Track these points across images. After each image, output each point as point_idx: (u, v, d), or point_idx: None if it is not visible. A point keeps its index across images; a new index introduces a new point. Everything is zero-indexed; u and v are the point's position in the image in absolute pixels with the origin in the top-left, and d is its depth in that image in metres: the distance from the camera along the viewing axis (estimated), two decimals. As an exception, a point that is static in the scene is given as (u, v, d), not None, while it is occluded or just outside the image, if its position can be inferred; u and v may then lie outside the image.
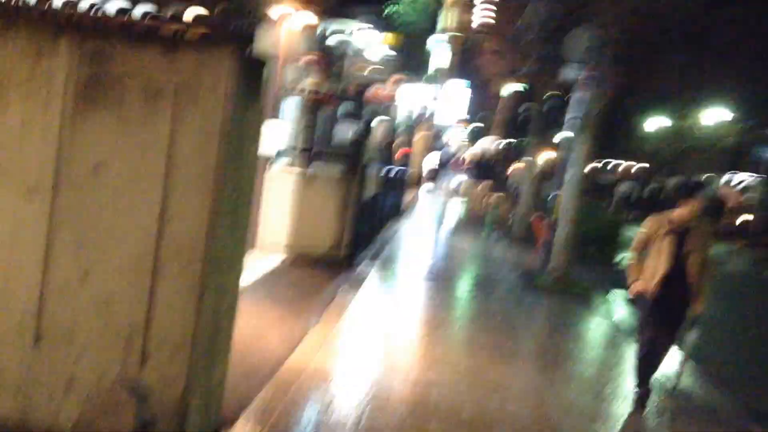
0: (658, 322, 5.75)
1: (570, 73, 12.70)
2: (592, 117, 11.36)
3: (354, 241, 9.54)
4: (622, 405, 5.87)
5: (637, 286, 5.84)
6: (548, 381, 6.35)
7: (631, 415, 5.64)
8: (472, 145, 35.16)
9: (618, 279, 11.89)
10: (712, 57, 21.33)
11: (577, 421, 5.45)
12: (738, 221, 24.64)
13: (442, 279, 10.75)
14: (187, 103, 3.46)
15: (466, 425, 4.87)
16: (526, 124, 30.08)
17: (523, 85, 22.48)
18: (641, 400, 5.75)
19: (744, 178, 25.71)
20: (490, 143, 33.08)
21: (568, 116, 12.46)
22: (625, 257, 14.76)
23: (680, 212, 5.74)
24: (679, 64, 21.35)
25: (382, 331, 6.96)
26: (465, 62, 30.71)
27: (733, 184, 26.16)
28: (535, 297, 10.23)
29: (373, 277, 9.26)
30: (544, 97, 17.81)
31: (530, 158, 17.74)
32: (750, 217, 24.32)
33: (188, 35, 3.43)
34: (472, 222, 18.63)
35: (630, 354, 7.45)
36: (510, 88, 25.58)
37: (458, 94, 33.55)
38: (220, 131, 3.47)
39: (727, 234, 24.01)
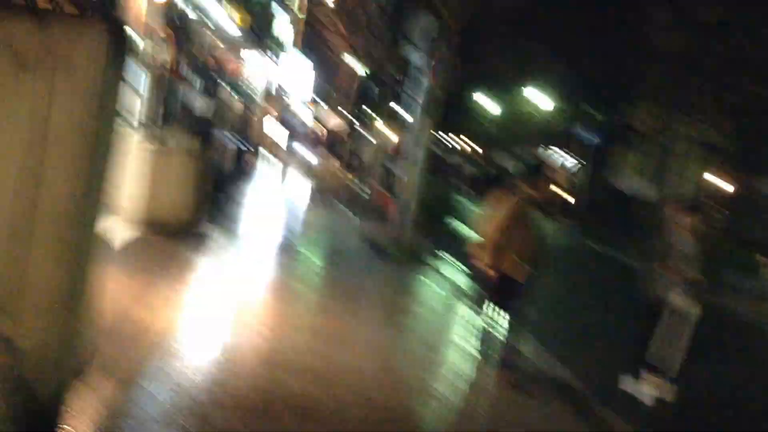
0: (506, 300, 6.06)
1: (413, 55, 13.42)
2: (434, 98, 12.13)
3: (208, 212, 9.72)
4: (457, 357, 6.59)
5: (490, 268, 5.94)
6: (393, 338, 6.97)
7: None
8: (319, 121, 35.57)
9: (455, 250, 12.86)
10: (544, 45, 23.02)
11: (417, 370, 6.09)
12: (562, 200, 26.85)
13: (294, 249, 11.16)
14: (60, 75, 3.62)
15: (315, 376, 5.34)
16: (371, 102, 30.87)
17: (367, 66, 23.12)
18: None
19: (568, 159, 27.98)
20: (336, 119, 33.65)
21: (411, 97, 13.18)
22: (472, 233, 15.88)
23: (530, 191, 6.00)
24: (512, 49, 22.86)
25: (233, 296, 7.26)
26: (312, 40, 30.93)
27: (559, 165, 28.37)
28: (383, 265, 10.90)
29: (226, 246, 9.51)
30: (389, 76, 18.50)
31: (376, 135, 18.45)
32: (570, 197, 26.58)
33: (62, 9, 3.60)
34: (321, 196, 19.08)
35: (464, 313, 8.29)
36: (355, 66, 26.14)
37: (305, 70, 33.79)
38: (91, 102, 3.66)
39: (552, 211, 26.15)
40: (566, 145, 27.08)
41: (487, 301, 6.26)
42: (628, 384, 6.47)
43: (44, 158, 3.62)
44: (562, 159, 28.42)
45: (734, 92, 19.44)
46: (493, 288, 6.09)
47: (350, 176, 21.12)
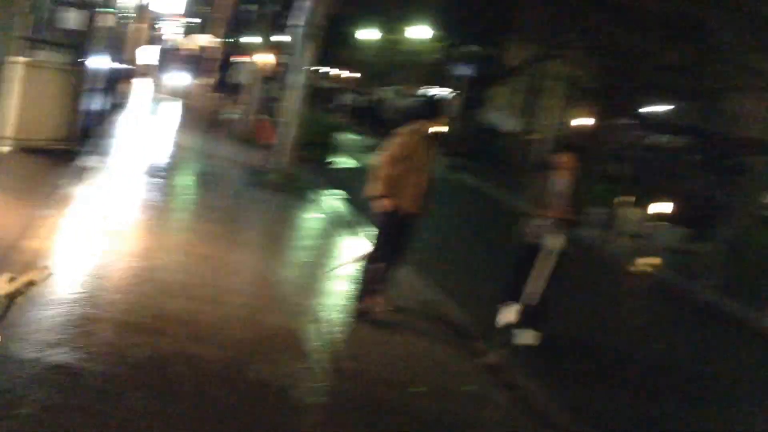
0: (397, 236, 5.99)
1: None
2: (316, 25, 12.05)
3: (79, 133, 9.36)
4: (330, 281, 6.88)
5: (387, 203, 5.86)
6: (269, 262, 7.19)
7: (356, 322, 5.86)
8: (191, 40, 34.12)
9: (334, 179, 13.08)
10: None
11: (298, 295, 6.34)
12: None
13: (168, 175, 10.96)
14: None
15: (201, 299, 5.48)
16: (245, 24, 29.94)
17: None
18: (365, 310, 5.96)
19: (443, 91, 28.55)
20: (209, 40, 32.27)
21: (290, 21, 13.01)
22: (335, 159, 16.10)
23: (429, 127, 5.95)
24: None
25: (108, 221, 7.16)
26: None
27: (435, 95, 28.96)
28: (260, 193, 10.93)
29: (98, 170, 9.24)
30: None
31: (252, 59, 18.06)
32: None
33: None
34: (193, 119, 18.61)
35: (338, 240, 8.58)
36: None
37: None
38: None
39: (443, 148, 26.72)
40: (442, 79, 27.58)
41: (370, 232, 6.42)
42: (499, 318, 6.56)
43: None
44: (439, 91, 28.98)
45: (600, 34, 20.39)
46: (383, 220, 6.00)
47: (224, 99, 20.62)
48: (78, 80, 9.15)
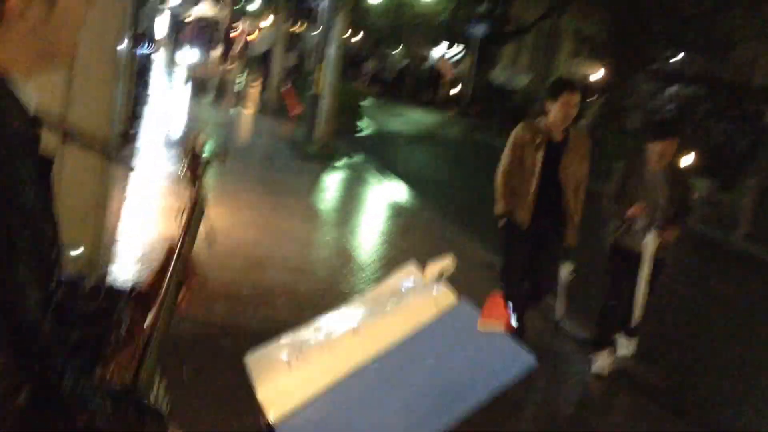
0: (528, 254, 4.91)
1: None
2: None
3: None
4: (382, 247, 7.28)
5: (504, 210, 4.85)
6: (316, 230, 7.64)
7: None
8: (198, 10, 33.82)
9: (368, 146, 13.43)
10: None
11: (335, 259, 6.74)
12: (452, 92, 27.63)
13: (214, 153, 11.26)
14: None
15: (283, 269, 5.89)
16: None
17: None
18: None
19: (455, 51, 28.61)
20: (213, 7, 31.81)
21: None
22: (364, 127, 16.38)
23: (554, 117, 4.73)
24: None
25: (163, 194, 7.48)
26: None
27: (447, 57, 29.00)
28: (305, 165, 11.25)
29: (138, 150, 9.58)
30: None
31: (273, 30, 18.15)
32: (455, 89, 27.42)
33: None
34: (215, 94, 18.63)
35: (379, 207, 9.00)
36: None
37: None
38: None
39: (442, 104, 26.96)
40: (451, 38, 27.63)
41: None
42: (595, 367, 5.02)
43: None
44: (446, 52, 29.04)
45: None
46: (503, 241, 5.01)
47: (237, 70, 20.58)
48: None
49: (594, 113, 21.31)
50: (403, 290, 1.56)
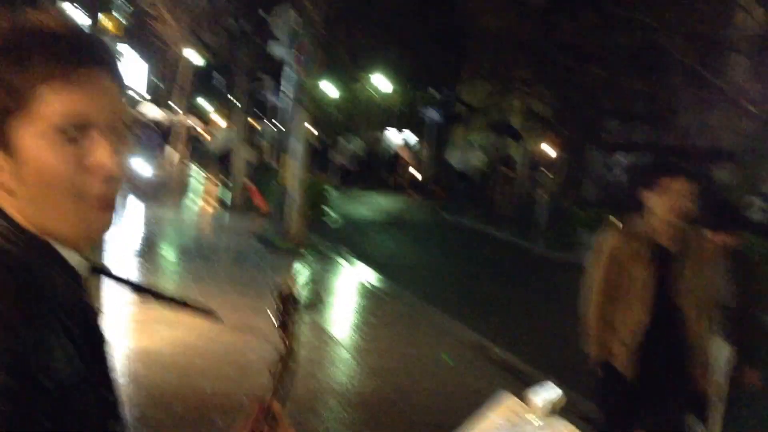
0: (636, 404, 3.51)
1: (278, 50, 13.71)
2: (308, 93, 12.58)
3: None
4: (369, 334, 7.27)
5: (599, 353, 3.56)
6: (314, 328, 7.57)
7: None
8: (148, 112, 34.14)
9: (339, 237, 13.53)
10: (380, 31, 24.02)
11: (333, 354, 6.71)
12: (414, 175, 28.12)
13: (183, 252, 11.23)
14: None
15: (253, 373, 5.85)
16: (210, 92, 30.21)
17: (206, 56, 22.83)
18: None
19: (410, 136, 29.31)
20: (167, 111, 32.12)
21: (282, 90, 13.52)
22: (333, 218, 16.53)
23: (662, 214, 3.41)
24: (350, 39, 23.64)
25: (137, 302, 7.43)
26: (141, 30, 29.52)
27: (404, 143, 29.65)
28: (281, 258, 11.23)
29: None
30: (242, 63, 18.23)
31: (233, 128, 18.40)
32: (416, 172, 27.95)
33: None
34: (167, 192, 18.41)
35: (372, 299, 9.03)
36: (191, 56, 25.58)
37: (133, 63, 32.49)
38: None
39: (400, 188, 27.36)
40: (409, 125, 28.34)
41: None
42: None
43: None
44: (404, 138, 29.73)
45: (555, 67, 21.38)
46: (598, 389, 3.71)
47: (201, 170, 20.66)
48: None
49: (553, 187, 21.86)
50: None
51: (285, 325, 1.44)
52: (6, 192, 0.97)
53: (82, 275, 1.03)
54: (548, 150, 24.10)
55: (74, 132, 0.96)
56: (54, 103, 0.95)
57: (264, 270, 10.54)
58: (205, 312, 1.34)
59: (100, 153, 0.97)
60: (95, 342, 1.03)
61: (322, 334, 7.29)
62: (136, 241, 11.29)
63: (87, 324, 1.01)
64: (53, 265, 0.98)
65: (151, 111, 27.88)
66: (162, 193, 17.63)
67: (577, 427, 1.34)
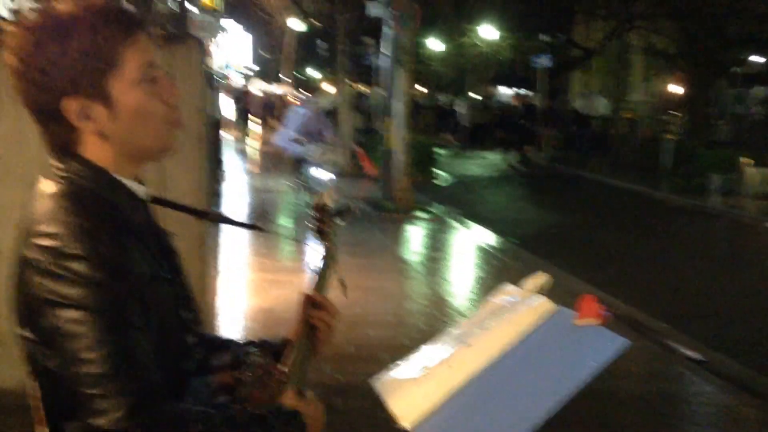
0: None
1: (375, 9, 13.25)
2: (404, 49, 12.11)
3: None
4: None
5: None
6: (423, 283, 7.58)
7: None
8: (258, 86, 34.57)
9: (447, 194, 13.17)
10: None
11: (442, 309, 6.51)
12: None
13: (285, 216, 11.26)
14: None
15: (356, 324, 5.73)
16: (314, 59, 30.17)
17: (308, 22, 22.75)
18: None
19: (522, 92, 28.23)
20: (275, 84, 32.34)
21: (382, 51, 13.13)
22: (443, 177, 16.13)
23: None
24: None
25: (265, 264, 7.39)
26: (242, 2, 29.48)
27: (522, 94, 28.60)
28: (387, 221, 11.03)
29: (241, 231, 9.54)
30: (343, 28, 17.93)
31: (335, 95, 18.19)
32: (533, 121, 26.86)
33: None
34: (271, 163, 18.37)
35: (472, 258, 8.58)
36: (295, 25, 25.55)
37: (238, 37, 32.74)
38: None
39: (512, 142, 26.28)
40: (520, 79, 27.31)
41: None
42: None
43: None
44: (516, 89, 28.69)
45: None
46: None
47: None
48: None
49: (680, 129, 20.46)
50: (505, 306, 1.68)
51: (321, 231, 1.66)
52: (100, 138, 1.25)
53: (144, 199, 1.33)
54: (674, 89, 22.49)
55: (151, 74, 1.26)
56: (135, 59, 1.24)
57: (373, 232, 10.38)
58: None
59: (169, 87, 1.29)
60: (166, 251, 1.36)
61: (422, 287, 7.04)
62: (250, 208, 11.61)
63: (158, 237, 1.35)
64: (120, 193, 1.26)
65: (258, 85, 28.19)
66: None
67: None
